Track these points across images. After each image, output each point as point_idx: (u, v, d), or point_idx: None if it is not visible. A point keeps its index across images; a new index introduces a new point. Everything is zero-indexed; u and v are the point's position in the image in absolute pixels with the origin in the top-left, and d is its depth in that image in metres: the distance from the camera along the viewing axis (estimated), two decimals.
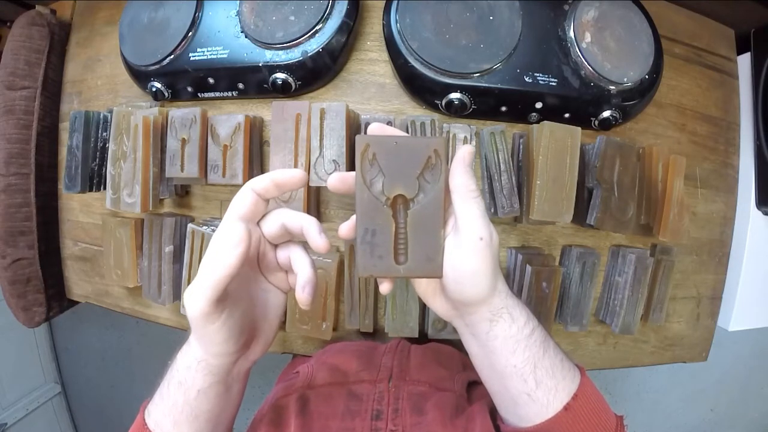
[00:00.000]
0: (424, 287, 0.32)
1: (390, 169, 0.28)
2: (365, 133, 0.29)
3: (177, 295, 0.57)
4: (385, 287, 0.30)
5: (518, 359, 0.29)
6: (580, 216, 0.51)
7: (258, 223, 0.29)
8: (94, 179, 0.57)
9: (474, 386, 0.40)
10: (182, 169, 0.52)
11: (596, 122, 0.52)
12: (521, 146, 0.51)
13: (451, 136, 0.50)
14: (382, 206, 0.28)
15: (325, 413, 0.34)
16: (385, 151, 0.27)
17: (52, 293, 0.68)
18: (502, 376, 0.30)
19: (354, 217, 0.29)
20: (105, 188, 0.56)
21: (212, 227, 0.53)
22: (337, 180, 0.29)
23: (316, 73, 0.51)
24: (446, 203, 0.28)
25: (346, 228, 0.30)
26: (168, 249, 0.56)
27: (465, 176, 0.28)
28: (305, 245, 0.30)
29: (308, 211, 0.50)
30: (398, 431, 0.32)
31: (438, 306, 0.32)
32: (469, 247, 0.27)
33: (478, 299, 0.28)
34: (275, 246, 0.30)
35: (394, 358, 0.42)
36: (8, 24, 0.72)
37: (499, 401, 0.32)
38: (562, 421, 0.29)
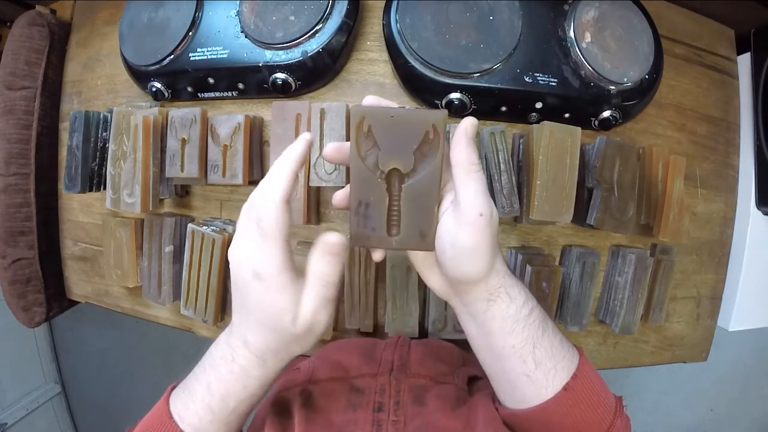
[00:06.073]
0: (421, 262, 0.32)
1: (385, 143, 0.27)
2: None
3: (177, 295, 0.57)
4: (377, 255, 0.30)
5: (517, 339, 0.29)
6: (580, 216, 0.51)
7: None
8: (94, 179, 0.57)
9: (474, 381, 0.40)
10: (182, 169, 0.52)
11: (596, 122, 0.52)
12: (521, 146, 0.51)
13: (450, 136, 0.50)
14: (376, 180, 0.27)
15: (328, 407, 0.34)
16: (381, 124, 0.27)
17: (52, 293, 0.68)
18: (501, 358, 0.29)
19: (348, 186, 0.28)
20: (105, 188, 0.56)
21: (212, 227, 0.53)
22: (333, 149, 0.29)
23: (316, 73, 0.51)
24: (443, 179, 0.28)
25: (340, 197, 0.29)
26: (168, 249, 0.56)
27: (467, 150, 0.26)
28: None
29: (308, 212, 0.50)
30: (400, 422, 0.32)
31: (434, 283, 0.32)
32: (468, 223, 0.26)
33: (475, 278, 0.28)
34: None
35: (395, 353, 0.42)
36: (8, 24, 0.72)
37: (496, 385, 0.32)
38: (562, 401, 0.28)
